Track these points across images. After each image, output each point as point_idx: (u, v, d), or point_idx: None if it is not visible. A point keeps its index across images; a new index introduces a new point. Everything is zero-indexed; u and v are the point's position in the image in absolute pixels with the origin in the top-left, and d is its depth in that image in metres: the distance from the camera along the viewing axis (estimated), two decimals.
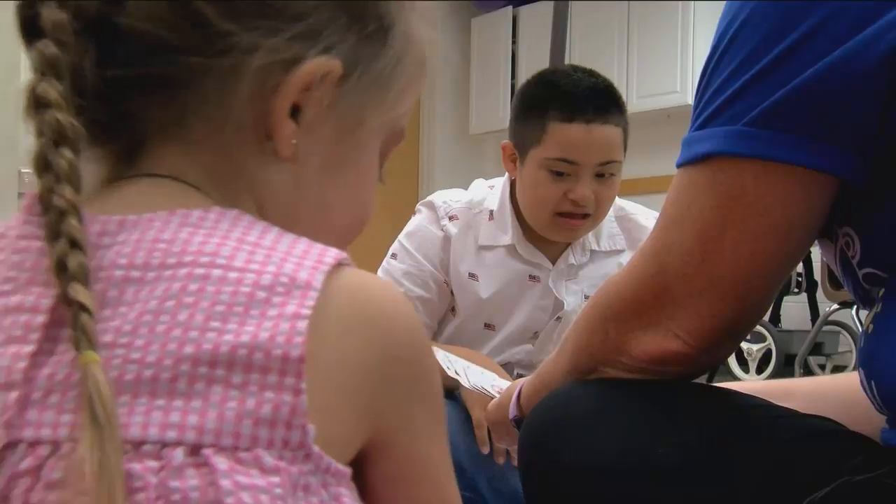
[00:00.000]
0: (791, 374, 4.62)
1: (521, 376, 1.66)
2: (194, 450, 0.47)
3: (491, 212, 1.76)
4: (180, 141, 0.58)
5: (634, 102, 6.11)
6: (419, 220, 1.79)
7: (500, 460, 1.55)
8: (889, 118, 0.69)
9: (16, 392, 0.48)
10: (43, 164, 0.51)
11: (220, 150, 0.58)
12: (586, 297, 1.73)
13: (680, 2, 5.83)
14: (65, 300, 0.49)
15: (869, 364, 0.73)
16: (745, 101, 0.72)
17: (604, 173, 1.66)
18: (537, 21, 6.12)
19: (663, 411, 0.79)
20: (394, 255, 1.77)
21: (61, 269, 0.49)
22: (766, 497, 0.69)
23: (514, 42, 6.86)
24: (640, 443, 0.77)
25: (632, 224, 1.81)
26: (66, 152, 0.51)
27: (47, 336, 0.50)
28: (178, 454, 0.47)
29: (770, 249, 0.74)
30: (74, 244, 0.50)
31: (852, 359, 5.38)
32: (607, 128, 1.63)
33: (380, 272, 1.77)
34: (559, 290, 1.74)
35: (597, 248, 1.78)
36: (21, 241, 0.53)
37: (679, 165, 0.78)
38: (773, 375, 4.95)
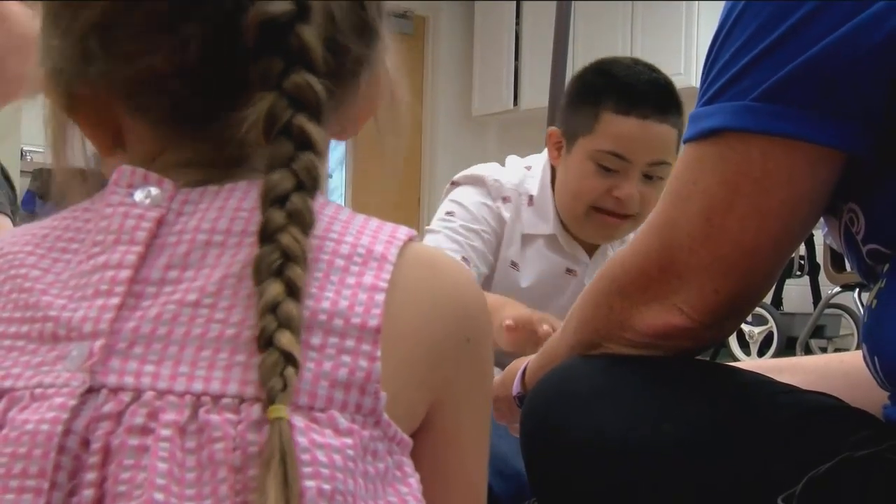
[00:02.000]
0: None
1: None
2: None
3: (531, 197, 1.68)
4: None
5: None
6: (472, 193, 1.68)
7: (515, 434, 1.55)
8: None
9: (101, 341, 0.50)
10: (275, 199, 0.51)
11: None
12: None
13: None
14: (265, 344, 0.49)
15: (872, 339, 0.73)
16: (752, 76, 0.72)
17: (653, 175, 1.58)
18: (541, 2, 6.10)
19: (666, 387, 0.79)
20: (450, 214, 1.67)
21: (269, 312, 0.49)
22: (769, 472, 0.70)
23: (517, 24, 6.84)
24: (643, 419, 0.77)
25: None
26: (308, 198, 0.52)
27: (131, 291, 0.52)
28: (257, 409, 0.48)
29: (776, 225, 0.74)
30: (293, 292, 0.50)
31: (854, 342, 5.39)
32: (664, 127, 1.55)
33: (433, 230, 1.66)
34: None
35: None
36: (108, 208, 0.55)
37: (686, 141, 0.78)
38: (775, 358, 4.94)
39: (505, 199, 1.66)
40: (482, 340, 0.59)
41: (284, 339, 0.48)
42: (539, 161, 1.71)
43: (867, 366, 0.75)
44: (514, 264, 1.68)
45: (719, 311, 0.78)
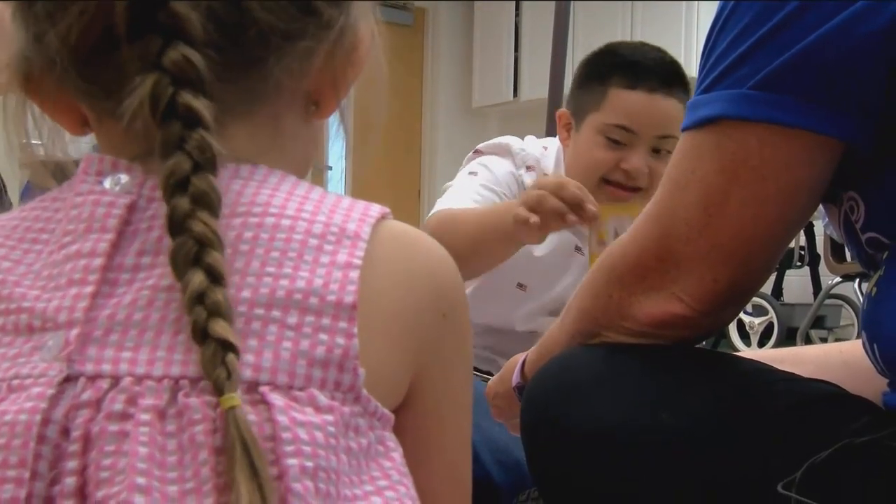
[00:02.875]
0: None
1: None
2: (251, 387, 0.49)
3: (545, 175, 1.71)
4: (240, 118, 0.58)
5: None
6: (498, 161, 1.71)
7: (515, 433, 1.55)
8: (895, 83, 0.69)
9: (76, 329, 0.50)
10: (176, 184, 0.50)
11: (271, 120, 0.60)
12: None
13: None
14: (200, 336, 0.48)
15: (871, 327, 0.73)
16: (749, 64, 0.72)
17: (660, 148, 1.61)
18: (540, 2, 6.09)
19: (666, 376, 0.79)
20: (473, 173, 1.70)
21: (197, 303, 0.49)
22: (769, 460, 0.70)
23: (517, 15, 6.83)
24: (643, 408, 0.77)
25: None
26: (209, 176, 0.51)
27: (105, 279, 0.52)
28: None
29: (774, 213, 0.74)
30: (216, 278, 0.49)
31: (854, 332, 5.39)
32: (670, 101, 1.59)
33: (454, 187, 1.68)
34: None
35: None
36: (78, 197, 0.54)
37: (684, 129, 0.78)
38: (775, 348, 4.95)
39: (529, 168, 1.70)
40: (459, 315, 0.59)
41: (218, 327, 0.48)
42: (554, 143, 1.75)
43: (867, 353, 0.75)
44: None
45: (718, 300, 0.78)
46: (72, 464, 0.48)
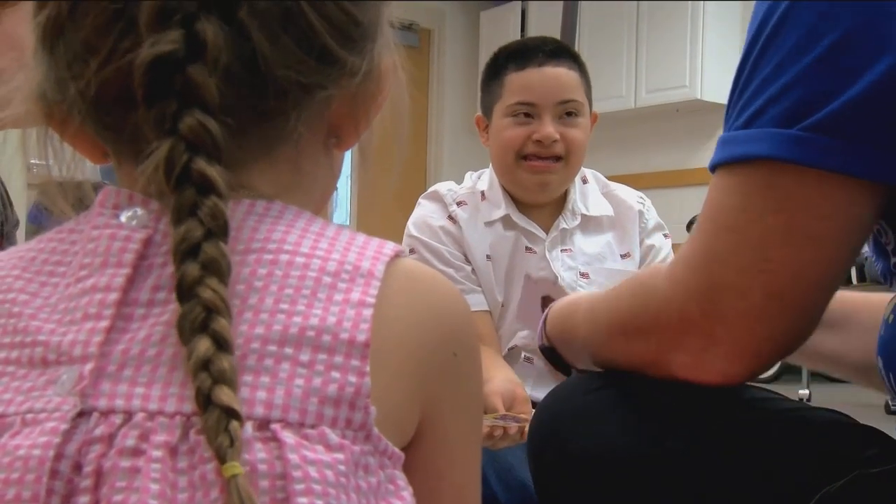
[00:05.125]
0: (798, 370, 4.61)
1: (528, 360, 1.69)
2: (262, 424, 0.49)
3: (482, 192, 1.82)
4: (261, 159, 0.58)
5: (643, 97, 6.10)
6: (423, 211, 1.82)
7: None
8: None
9: (91, 364, 0.50)
10: (187, 250, 0.50)
11: (292, 159, 0.60)
12: (581, 275, 1.75)
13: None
14: (204, 403, 0.48)
15: (887, 354, 0.71)
16: (794, 97, 0.67)
17: (567, 112, 1.72)
18: (546, 15, 6.11)
19: (674, 402, 0.78)
20: (412, 251, 1.78)
21: (202, 369, 0.48)
22: (779, 488, 0.69)
23: (522, 35, 6.85)
24: (650, 434, 0.77)
25: (615, 200, 1.84)
26: (220, 243, 0.51)
27: (119, 314, 0.52)
28: (247, 428, 0.48)
29: (832, 255, 0.69)
30: (222, 345, 0.49)
31: None
32: (559, 69, 1.72)
33: None
34: (554, 261, 1.76)
35: (586, 213, 1.80)
36: (94, 230, 0.55)
37: (719, 164, 0.72)
38: (781, 363, 4.94)
39: (460, 203, 1.81)
40: (469, 354, 0.59)
41: (223, 395, 0.47)
42: (488, 170, 1.87)
43: (882, 378, 0.73)
44: (489, 257, 1.78)
45: (769, 360, 0.72)
46: (83, 499, 0.47)
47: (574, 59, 1.75)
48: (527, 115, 1.72)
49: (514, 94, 1.73)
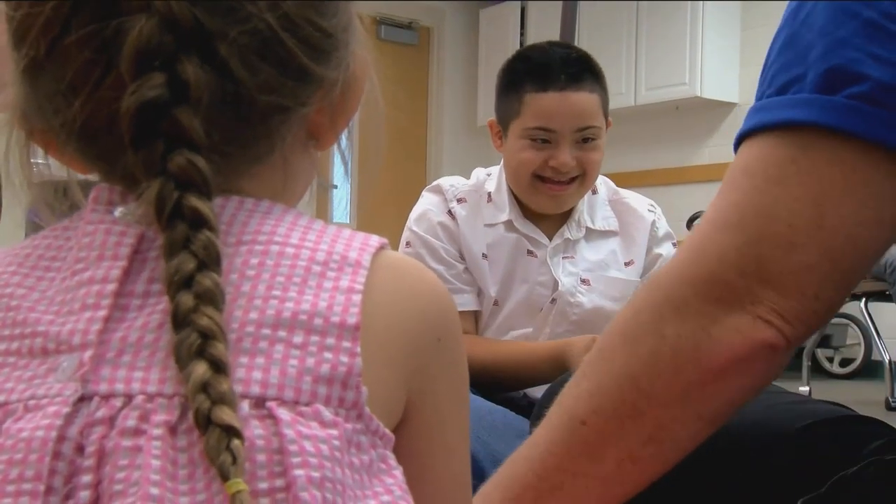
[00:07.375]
0: (798, 367, 4.62)
1: None
2: (258, 403, 0.51)
3: (489, 194, 1.82)
4: (252, 169, 0.60)
5: (643, 94, 6.11)
6: (425, 204, 1.82)
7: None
8: None
9: (90, 351, 0.52)
10: (181, 281, 0.51)
11: (277, 163, 0.61)
12: (582, 281, 1.76)
13: None
14: (203, 424, 0.49)
15: None
16: (841, 65, 0.62)
17: (584, 139, 1.71)
18: (546, 13, 6.12)
19: None
20: (408, 244, 1.80)
21: (200, 391, 0.49)
22: (789, 478, 0.69)
23: (522, 34, 6.85)
24: None
25: (624, 207, 1.83)
26: (213, 274, 0.52)
27: (117, 304, 0.53)
28: (244, 406, 0.50)
29: (887, 217, 0.63)
30: (219, 368, 0.50)
31: (860, 351, 5.38)
32: (581, 94, 1.69)
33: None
34: (555, 267, 1.76)
35: (591, 226, 1.81)
36: (89, 226, 0.56)
37: (751, 131, 0.66)
38: None
39: (460, 200, 1.80)
40: (452, 340, 0.61)
41: (224, 415, 0.48)
42: (497, 168, 1.86)
43: None
44: (484, 256, 1.79)
45: (816, 323, 0.65)
46: (86, 478, 0.49)
47: (595, 78, 1.72)
48: (544, 140, 1.70)
49: (532, 117, 1.70)
